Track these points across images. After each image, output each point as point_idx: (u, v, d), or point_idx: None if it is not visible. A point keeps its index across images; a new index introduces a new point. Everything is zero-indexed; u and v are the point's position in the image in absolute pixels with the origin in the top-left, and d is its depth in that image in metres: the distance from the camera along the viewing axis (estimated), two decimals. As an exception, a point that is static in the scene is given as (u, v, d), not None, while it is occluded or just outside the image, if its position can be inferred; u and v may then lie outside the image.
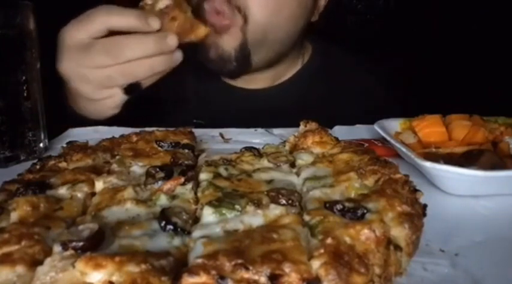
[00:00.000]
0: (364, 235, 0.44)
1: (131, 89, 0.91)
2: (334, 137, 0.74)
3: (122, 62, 0.85)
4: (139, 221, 0.50)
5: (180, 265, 0.42)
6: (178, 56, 0.90)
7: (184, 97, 1.23)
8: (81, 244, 0.43)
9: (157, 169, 0.61)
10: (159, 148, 0.74)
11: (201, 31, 0.94)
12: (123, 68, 0.86)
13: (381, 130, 0.82)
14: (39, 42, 0.84)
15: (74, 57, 0.88)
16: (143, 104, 0.96)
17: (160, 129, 0.83)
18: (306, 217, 0.50)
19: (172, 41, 0.88)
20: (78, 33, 0.88)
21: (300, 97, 1.24)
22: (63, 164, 0.68)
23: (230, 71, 1.13)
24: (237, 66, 1.11)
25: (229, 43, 1.07)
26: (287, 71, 1.29)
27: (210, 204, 0.52)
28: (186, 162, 0.68)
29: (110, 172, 0.64)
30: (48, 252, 0.44)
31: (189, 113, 1.18)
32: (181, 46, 0.91)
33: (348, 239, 0.44)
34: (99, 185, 0.60)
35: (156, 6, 0.91)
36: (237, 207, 0.51)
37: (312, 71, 1.31)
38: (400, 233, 0.47)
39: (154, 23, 0.86)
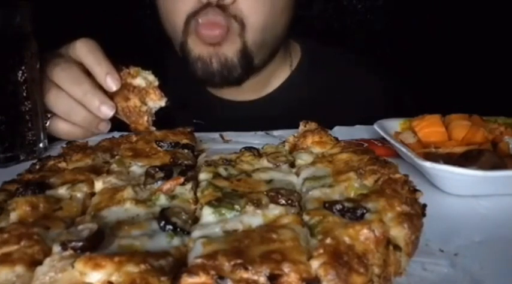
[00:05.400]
0: (363, 235, 0.44)
1: None
2: (334, 137, 0.74)
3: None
4: (138, 221, 0.50)
5: (180, 265, 0.42)
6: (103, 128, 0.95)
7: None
8: (80, 244, 0.43)
9: (157, 169, 0.61)
10: (159, 148, 0.74)
11: (141, 126, 0.93)
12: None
13: (381, 130, 0.82)
14: (38, 42, 0.84)
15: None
16: None
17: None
18: (306, 217, 0.50)
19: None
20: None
21: (294, 103, 1.22)
22: (62, 164, 0.68)
23: (235, 78, 1.11)
24: (241, 72, 1.10)
25: (230, 49, 1.06)
26: (276, 78, 1.27)
27: (209, 203, 0.52)
28: (185, 162, 0.68)
29: (109, 172, 0.64)
30: (47, 252, 0.44)
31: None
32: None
33: (347, 239, 0.44)
34: (99, 185, 0.60)
35: (129, 79, 0.92)
36: (237, 206, 0.51)
37: (304, 74, 1.29)
38: (399, 233, 0.47)
39: (111, 85, 0.89)
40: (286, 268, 0.39)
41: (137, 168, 0.66)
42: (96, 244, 0.44)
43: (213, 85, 1.18)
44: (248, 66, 1.10)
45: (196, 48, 1.07)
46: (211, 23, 1.02)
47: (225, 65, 1.07)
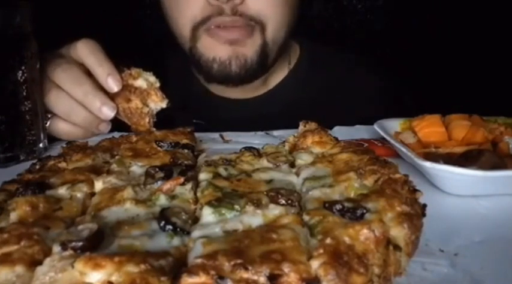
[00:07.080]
0: (363, 235, 0.44)
1: None
2: (334, 137, 0.74)
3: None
4: (138, 221, 0.50)
5: (180, 265, 0.42)
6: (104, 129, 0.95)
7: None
8: (80, 244, 0.43)
9: (157, 169, 0.61)
10: (159, 148, 0.74)
11: (142, 127, 0.93)
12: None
13: (381, 130, 0.82)
14: (38, 42, 0.84)
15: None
16: None
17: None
18: (306, 217, 0.50)
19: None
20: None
21: (293, 102, 1.23)
22: (62, 164, 0.68)
23: (251, 75, 1.13)
24: (256, 68, 1.11)
25: (251, 49, 1.08)
26: (274, 76, 1.28)
27: (209, 203, 0.52)
28: (185, 162, 0.68)
29: (109, 172, 0.64)
30: (47, 252, 0.44)
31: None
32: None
33: (347, 239, 0.44)
34: (99, 185, 0.60)
35: (130, 81, 0.92)
36: (237, 207, 0.51)
37: (302, 73, 1.30)
38: (399, 233, 0.47)
39: (112, 86, 0.89)
40: (286, 268, 0.39)
41: (137, 168, 0.66)
42: (96, 244, 0.44)
43: (228, 85, 1.19)
44: (263, 63, 1.12)
45: (211, 51, 1.08)
46: (228, 26, 1.03)
47: (244, 66, 1.08)
